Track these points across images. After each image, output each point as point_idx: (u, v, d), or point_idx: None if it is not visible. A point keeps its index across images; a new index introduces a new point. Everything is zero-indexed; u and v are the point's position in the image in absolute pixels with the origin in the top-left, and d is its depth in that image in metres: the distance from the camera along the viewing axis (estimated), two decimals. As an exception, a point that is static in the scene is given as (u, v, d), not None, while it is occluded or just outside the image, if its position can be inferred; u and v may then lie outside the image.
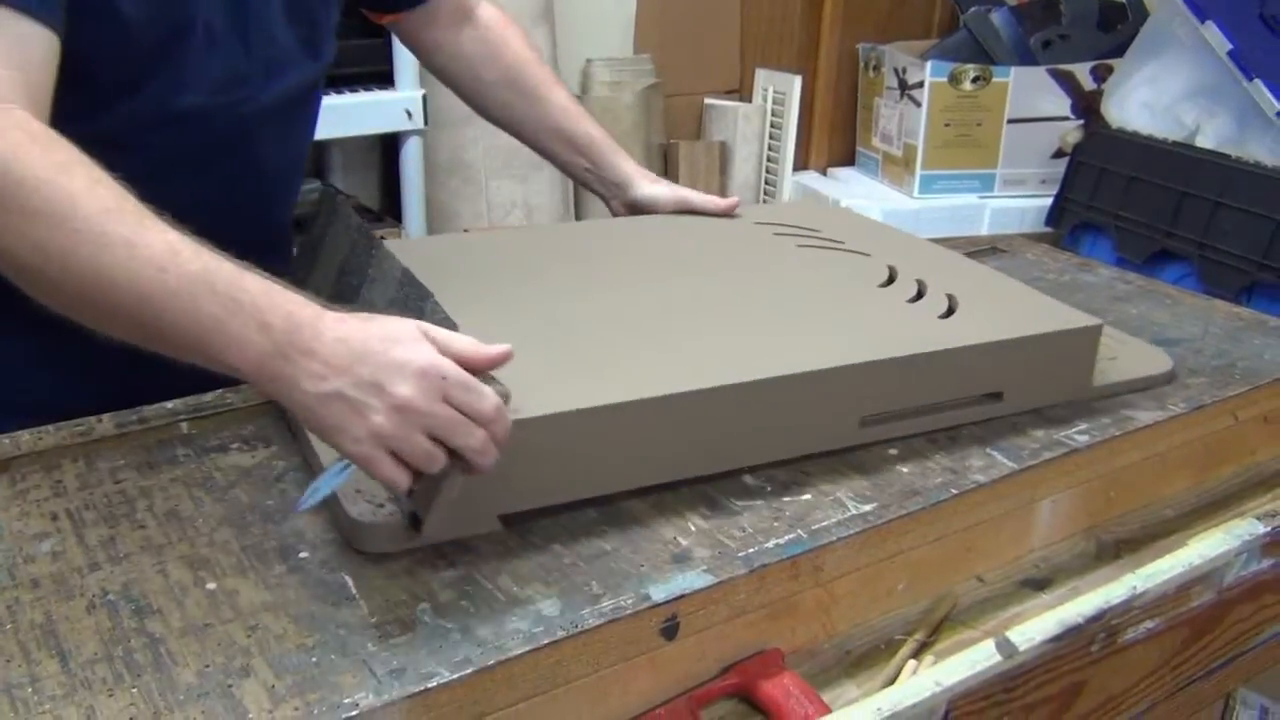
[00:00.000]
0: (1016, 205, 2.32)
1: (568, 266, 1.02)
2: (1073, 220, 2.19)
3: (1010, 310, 0.95)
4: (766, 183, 2.62)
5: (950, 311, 0.94)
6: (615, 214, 1.21)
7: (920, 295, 0.97)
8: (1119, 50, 2.30)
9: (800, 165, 2.64)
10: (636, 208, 1.19)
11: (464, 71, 1.19)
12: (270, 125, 0.96)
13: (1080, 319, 0.93)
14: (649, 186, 1.19)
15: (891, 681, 0.72)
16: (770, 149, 2.61)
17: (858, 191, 2.48)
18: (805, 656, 0.75)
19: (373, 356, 0.63)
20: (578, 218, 2.46)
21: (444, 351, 0.65)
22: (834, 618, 0.77)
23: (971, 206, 2.32)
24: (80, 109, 0.78)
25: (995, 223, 2.29)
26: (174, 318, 0.64)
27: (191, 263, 0.65)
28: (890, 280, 1.01)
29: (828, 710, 0.68)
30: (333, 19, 1.02)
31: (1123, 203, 2.08)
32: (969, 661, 0.62)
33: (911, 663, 0.73)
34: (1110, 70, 2.29)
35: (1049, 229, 2.24)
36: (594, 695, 0.66)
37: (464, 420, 0.64)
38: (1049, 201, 2.28)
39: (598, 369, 0.80)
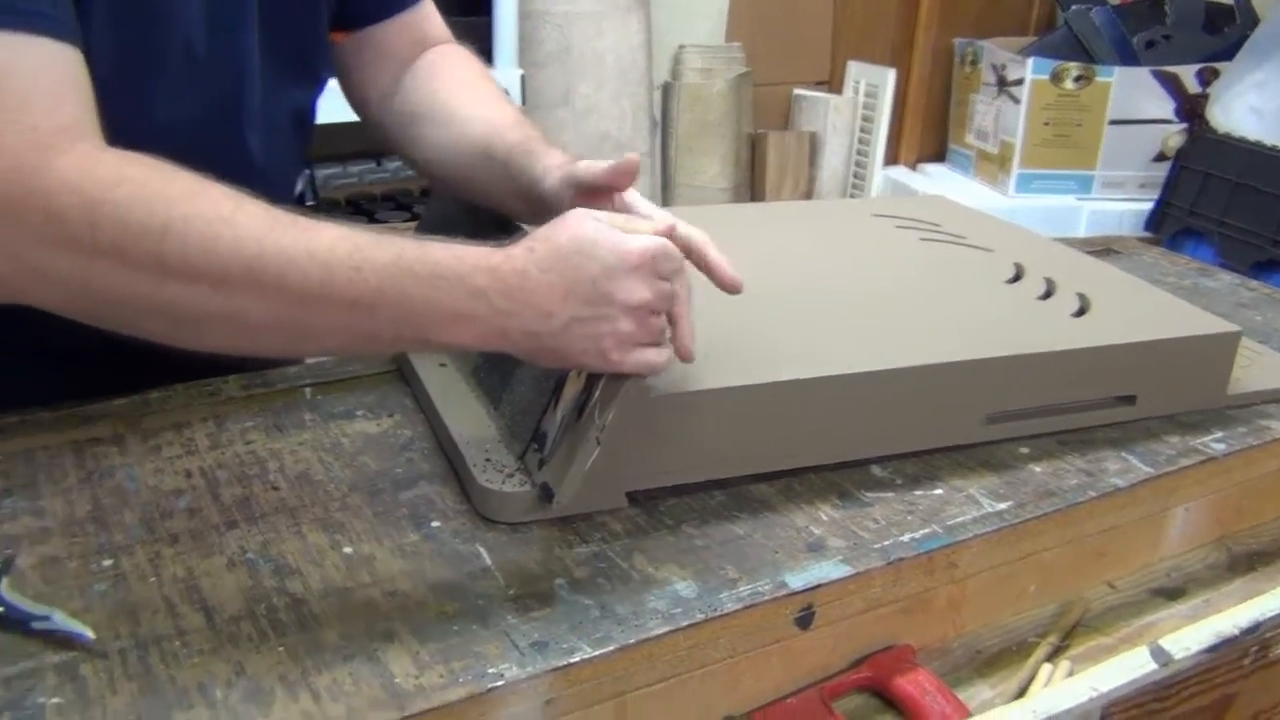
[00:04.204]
0: (1115, 208, 2.28)
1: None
2: (1174, 226, 2.14)
3: (1145, 312, 0.92)
4: (855, 176, 2.59)
5: (1082, 311, 0.92)
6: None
7: (1050, 293, 0.95)
8: (1224, 53, 2.25)
9: (890, 160, 2.61)
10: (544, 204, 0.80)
11: (391, 122, 0.94)
12: (257, 146, 0.85)
13: (1219, 325, 0.90)
14: (546, 183, 0.79)
15: (1027, 685, 0.70)
16: (860, 142, 2.58)
17: (949, 188, 2.44)
18: (935, 654, 0.73)
19: (584, 270, 0.63)
20: (664, 204, 2.45)
21: (616, 225, 0.65)
22: (964, 616, 0.75)
23: (1068, 208, 2.28)
24: None
25: (1092, 225, 2.24)
26: (387, 314, 0.62)
27: (378, 251, 0.61)
28: (1017, 277, 0.98)
29: (965, 709, 0.66)
30: (323, 43, 0.91)
31: (1227, 209, 2.03)
32: (1124, 668, 0.61)
33: (1047, 666, 0.72)
34: (1216, 73, 2.24)
35: (1148, 234, 2.19)
36: (727, 681, 0.65)
37: (674, 284, 0.66)
38: (1148, 206, 2.23)
39: (729, 351, 0.79)
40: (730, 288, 0.71)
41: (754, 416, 0.75)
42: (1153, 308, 0.94)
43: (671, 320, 0.68)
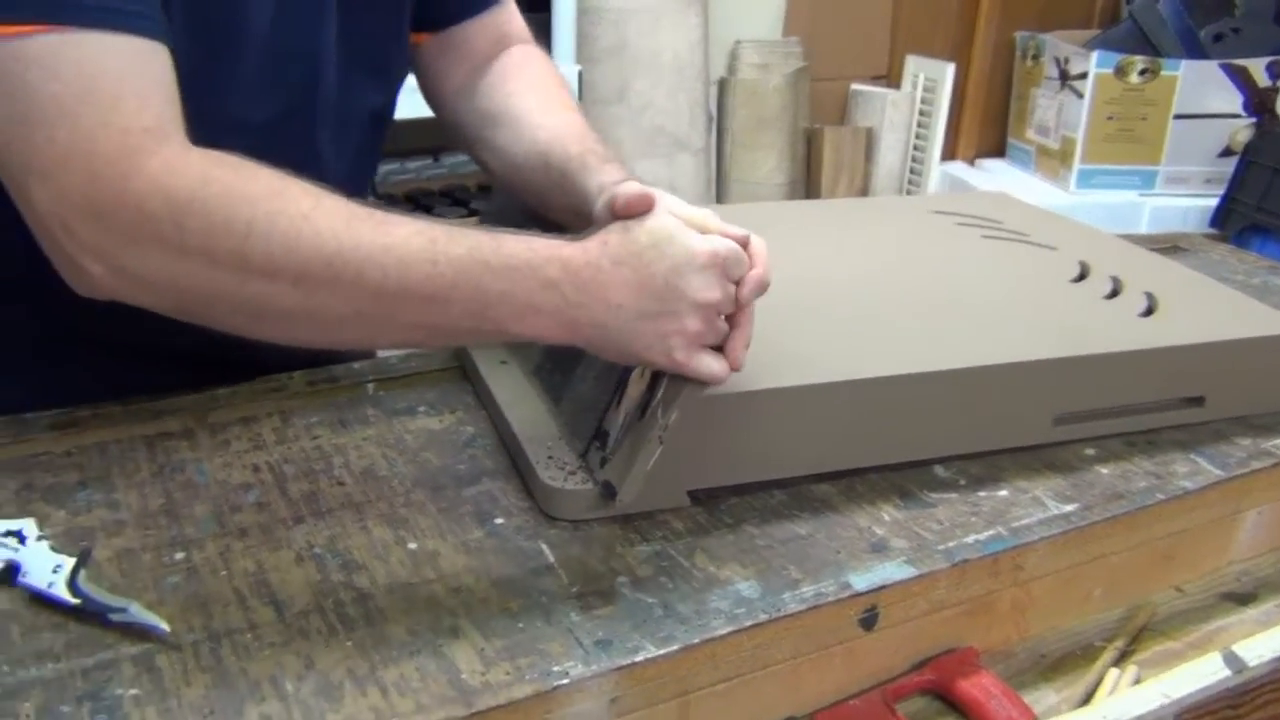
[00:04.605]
0: (1178, 204, 2.24)
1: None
2: (1240, 222, 2.10)
3: (1215, 312, 0.91)
4: (912, 171, 2.56)
5: (1150, 310, 0.90)
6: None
7: (1116, 292, 0.94)
8: (1295, 46, 2.19)
9: (947, 155, 2.58)
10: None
11: (465, 121, 0.93)
12: (328, 144, 0.86)
13: (1291, 324, 0.88)
14: (597, 205, 0.74)
15: (1093, 689, 0.70)
16: (918, 137, 2.55)
17: (1008, 184, 2.41)
18: (999, 657, 0.72)
19: (656, 265, 0.64)
20: (718, 200, 2.44)
21: (694, 225, 0.66)
22: (1029, 619, 0.74)
23: (1130, 204, 2.24)
24: None
25: (1155, 221, 2.20)
26: (462, 307, 0.63)
27: (453, 245, 0.62)
28: (1082, 276, 0.97)
29: (1031, 714, 0.65)
30: (402, 41, 0.91)
31: (1297, 206, 1.98)
32: (1197, 675, 0.60)
33: (1114, 671, 0.71)
34: (1288, 66, 2.19)
35: (1213, 230, 2.15)
36: (790, 682, 0.65)
37: (740, 287, 0.66)
38: (1213, 202, 2.19)
39: (792, 350, 0.78)
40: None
41: (817, 416, 0.75)
42: (1222, 307, 0.92)
43: (731, 326, 0.68)
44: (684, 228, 0.66)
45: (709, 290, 0.65)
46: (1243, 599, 0.80)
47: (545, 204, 0.83)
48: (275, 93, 0.80)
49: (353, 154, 0.90)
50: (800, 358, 0.77)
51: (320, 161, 0.86)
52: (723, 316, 0.67)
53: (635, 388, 0.71)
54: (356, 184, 0.95)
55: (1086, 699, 0.69)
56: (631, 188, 0.68)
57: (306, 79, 0.82)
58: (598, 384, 0.76)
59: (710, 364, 0.67)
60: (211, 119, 0.77)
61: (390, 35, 0.90)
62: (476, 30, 0.94)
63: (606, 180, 0.75)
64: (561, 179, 0.79)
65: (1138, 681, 0.70)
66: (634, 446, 0.69)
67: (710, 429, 0.71)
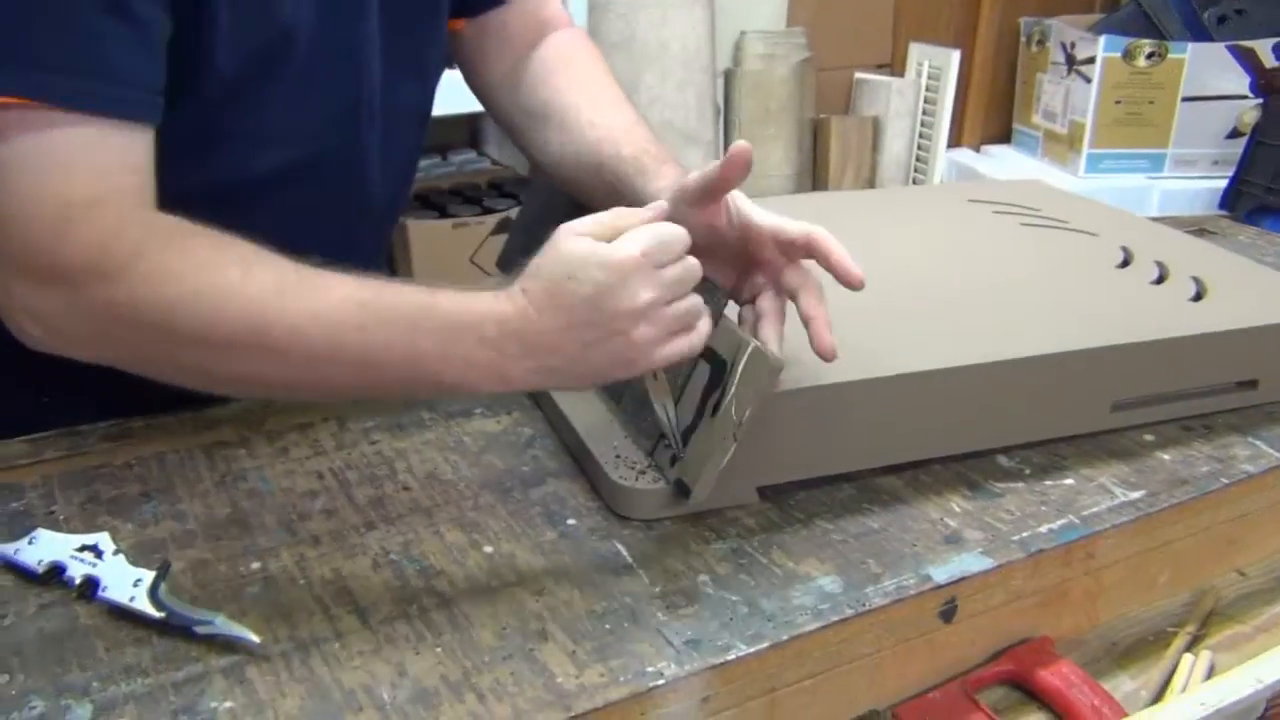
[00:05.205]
0: (1187, 187, 2.24)
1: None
2: (1250, 204, 2.10)
3: (1265, 295, 0.91)
4: (918, 159, 2.56)
5: (1199, 295, 0.90)
6: None
7: (1163, 278, 0.94)
8: (1302, 26, 2.20)
9: (953, 142, 2.58)
10: None
11: (515, 112, 0.92)
12: (376, 146, 0.86)
13: (1341, 305, 0.89)
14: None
15: (1170, 675, 0.70)
16: (923, 125, 2.55)
17: (1016, 170, 2.42)
18: (1071, 646, 0.73)
19: (578, 296, 0.62)
20: (727, 192, 2.44)
21: (611, 233, 0.64)
22: (1099, 607, 0.74)
23: (1140, 187, 2.24)
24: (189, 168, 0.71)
25: (1164, 204, 2.21)
26: (395, 370, 0.63)
27: (384, 309, 0.62)
28: (1126, 262, 0.97)
29: (1112, 700, 0.66)
30: (441, 33, 0.90)
31: (1308, 185, 1.99)
32: (1288, 659, 0.60)
33: (1188, 657, 0.71)
34: (1294, 46, 2.19)
35: (1222, 212, 2.15)
36: (873, 675, 0.65)
37: (681, 267, 0.64)
38: (1222, 183, 2.19)
39: (852, 345, 0.78)
40: (853, 284, 0.69)
41: (885, 409, 0.74)
42: (1270, 289, 0.93)
43: (805, 319, 0.67)
44: (593, 245, 0.63)
45: (642, 294, 0.62)
46: (1305, 581, 0.80)
47: (599, 203, 0.82)
48: (320, 99, 0.80)
49: (399, 154, 0.90)
50: (865, 351, 0.76)
51: (368, 166, 0.85)
52: (682, 297, 0.64)
53: (698, 383, 0.70)
54: (403, 184, 0.95)
55: (1164, 685, 0.69)
56: (729, 154, 0.67)
57: (350, 81, 0.82)
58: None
59: (678, 348, 0.64)
60: (257, 133, 0.77)
61: (430, 30, 0.89)
62: (514, 15, 0.93)
63: (665, 184, 0.74)
64: (616, 182, 0.78)
65: (1212, 667, 0.71)
66: (707, 444, 0.69)
67: (781, 425, 0.71)
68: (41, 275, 0.62)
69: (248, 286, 0.62)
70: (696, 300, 0.65)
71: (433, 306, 0.63)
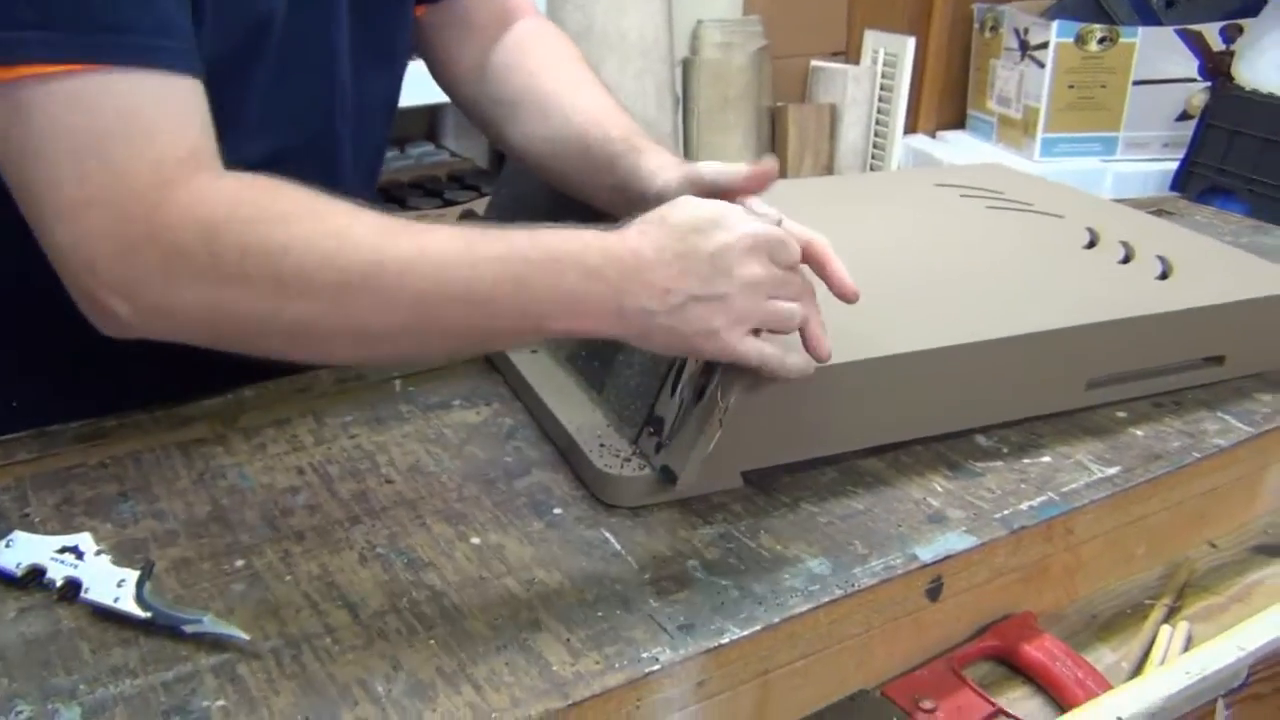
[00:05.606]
0: (1139, 169, 2.28)
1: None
2: (1200, 185, 2.14)
3: (1229, 273, 0.93)
4: (875, 146, 2.58)
5: (1165, 274, 0.92)
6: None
7: (1129, 258, 0.95)
8: (1246, 10, 2.24)
9: (909, 129, 2.60)
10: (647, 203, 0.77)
11: (485, 103, 0.92)
12: (349, 137, 0.85)
13: (1303, 281, 0.91)
14: (658, 181, 0.77)
15: (1149, 646, 0.71)
16: (879, 112, 2.57)
17: (972, 155, 2.44)
18: (1052, 620, 0.74)
19: (701, 248, 0.63)
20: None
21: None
22: (1078, 582, 0.76)
23: (1093, 170, 2.28)
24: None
25: (1118, 187, 2.24)
26: (505, 305, 0.62)
27: (489, 244, 0.62)
28: (1092, 243, 0.98)
29: (1095, 672, 0.67)
30: (408, 19, 0.90)
31: (1257, 166, 2.03)
32: (1268, 626, 0.61)
33: (1166, 628, 0.72)
34: (1240, 30, 2.23)
35: (1174, 194, 2.19)
36: (861, 655, 0.66)
37: (789, 274, 0.66)
38: (1172, 165, 2.23)
39: (835, 328, 0.78)
40: (847, 297, 0.70)
41: (867, 392, 0.75)
42: (1233, 267, 0.94)
43: (801, 328, 0.68)
44: (726, 209, 0.66)
45: (755, 269, 0.64)
46: (1273, 550, 0.82)
47: (583, 187, 0.82)
48: (295, 88, 0.79)
49: (369, 146, 0.89)
50: (843, 335, 0.77)
51: (340, 156, 0.85)
52: (775, 300, 0.66)
53: (690, 372, 0.71)
54: (372, 177, 0.94)
55: (1144, 656, 0.71)
56: (758, 165, 0.70)
57: (324, 70, 0.81)
58: (644, 371, 0.76)
59: (762, 346, 0.66)
60: (235, 124, 0.75)
61: (397, 15, 0.88)
62: (478, 3, 0.93)
63: (664, 162, 0.76)
64: (609, 162, 0.79)
65: (1190, 637, 0.72)
66: (693, 430, 0.69)
67: (765, 409, 0.71)
68: (139, 243, 0.59)
69: (355, 229, 0.61)
70: (796, 309, 0.66)
71: (537, 239, 0.63)
